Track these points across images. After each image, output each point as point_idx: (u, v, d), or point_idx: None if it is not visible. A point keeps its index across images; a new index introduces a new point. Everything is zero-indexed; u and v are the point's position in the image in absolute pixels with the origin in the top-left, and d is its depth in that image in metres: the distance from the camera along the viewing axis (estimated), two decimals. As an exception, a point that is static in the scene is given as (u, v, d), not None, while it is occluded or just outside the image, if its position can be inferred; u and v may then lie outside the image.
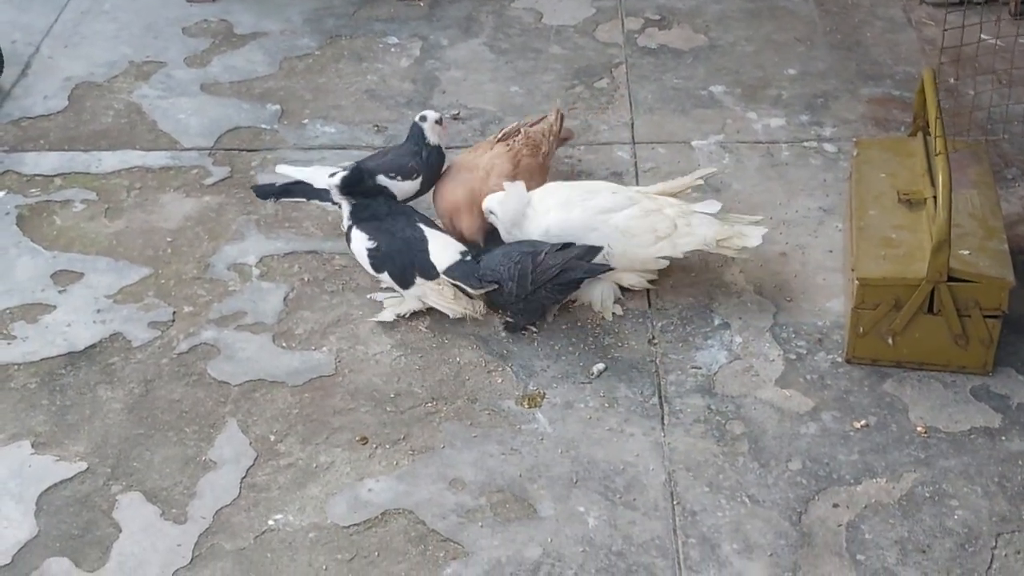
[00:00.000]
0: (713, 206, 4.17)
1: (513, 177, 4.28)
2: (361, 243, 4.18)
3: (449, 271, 4.11)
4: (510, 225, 4.19)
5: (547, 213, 4.13)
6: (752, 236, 4.13)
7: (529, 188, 4.23)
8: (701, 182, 4.31)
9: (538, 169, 4.45)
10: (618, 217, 4.10)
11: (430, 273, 4.13)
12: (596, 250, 4.04)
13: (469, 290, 4.10)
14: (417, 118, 4.39)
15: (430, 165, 4.39)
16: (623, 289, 4.25)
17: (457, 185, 4.35)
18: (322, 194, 4.37)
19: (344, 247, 4.41)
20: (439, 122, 4.40)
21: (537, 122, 4.62)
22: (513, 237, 4.20)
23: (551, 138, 4.58)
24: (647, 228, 4.10)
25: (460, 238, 4.31)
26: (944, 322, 3.85)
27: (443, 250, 4.16)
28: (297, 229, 4.61)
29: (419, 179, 4.36)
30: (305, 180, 4.40)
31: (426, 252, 4.13)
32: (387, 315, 4.20)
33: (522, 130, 4.53)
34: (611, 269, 4.08)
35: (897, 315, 3.86)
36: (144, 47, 5.68)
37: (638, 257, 4.13)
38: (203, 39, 5.73)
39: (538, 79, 5.42)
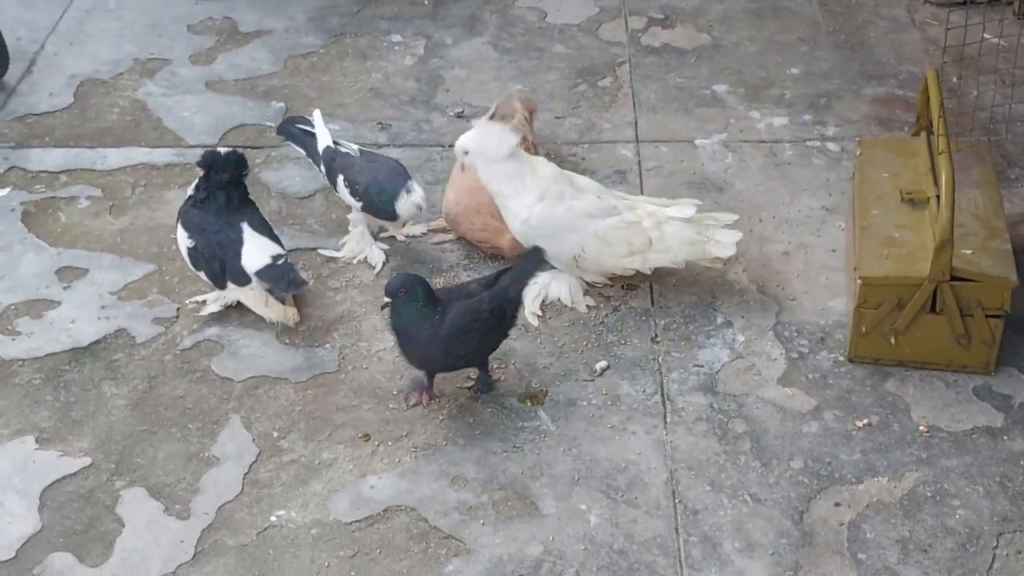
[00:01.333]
0: (687, 210, 4.14)
1: None
2: (183, 240, 4.12)
3: (259, 274, 4.04)
4: (489, 162, 4.03)
5: (535, 204, 4.06)
6: (726, 246, 4.13)
7: None
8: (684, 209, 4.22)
9: None
10: (599, 224, 4.09)
11: (240, 279, 4.06)
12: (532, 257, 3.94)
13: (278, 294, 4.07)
14: (404, 187, 4.22)
15: (371, 202, 4.28)
16: (625, 287, 4.28)
17: (489, 215, 4.29)
18: (315, 156, 4.41)
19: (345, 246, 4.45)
20: (420, 208, 4.24)
21: (512, 115, 4.59)
22: (491, 175, 4.05)
23: (529, 125, 4.61)
24: (624, 239, 4.10)
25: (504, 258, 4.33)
26: (946, 322, 3.85)
27: (255, 253, 4.03)
28: (301, 226, 4.62)
29: (360, 203, 4.30)
30: (318, 137, 4.43)
31: (238, 256, 4.03)
32: (213, 307, 4.19)
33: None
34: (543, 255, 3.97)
35: (899, 314, 3.86)
36: (149, 44, 5.69)
37: (607, 264, 4.15)
38: (208, 37, 5.74)
39: (542, 78, 5.42)
